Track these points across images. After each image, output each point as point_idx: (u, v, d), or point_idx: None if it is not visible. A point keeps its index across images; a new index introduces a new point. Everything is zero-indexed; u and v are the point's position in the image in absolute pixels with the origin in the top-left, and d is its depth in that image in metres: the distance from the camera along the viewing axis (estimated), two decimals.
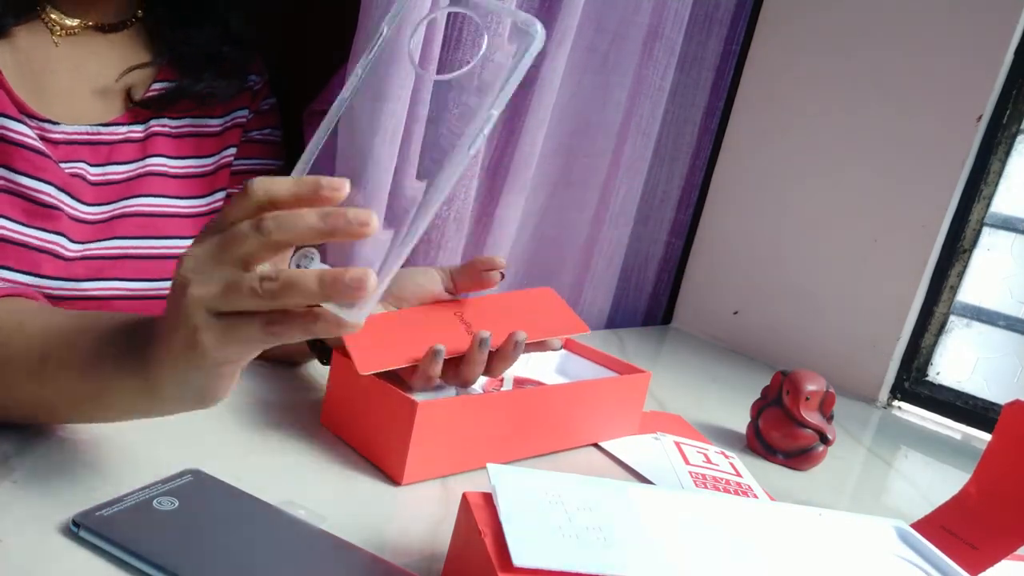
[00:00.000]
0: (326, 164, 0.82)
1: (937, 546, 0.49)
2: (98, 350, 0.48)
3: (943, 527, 0.59)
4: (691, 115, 1.28)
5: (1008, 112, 1.05)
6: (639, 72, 1.11)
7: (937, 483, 0.89)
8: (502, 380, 0.75)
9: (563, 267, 1.17)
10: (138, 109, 0.71)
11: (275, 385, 0.71)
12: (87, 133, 0.69)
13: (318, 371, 0.76)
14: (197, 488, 0.49)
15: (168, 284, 0.71)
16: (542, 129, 0.96)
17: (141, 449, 0.55)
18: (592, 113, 1.09)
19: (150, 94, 0.72)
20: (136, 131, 0.71)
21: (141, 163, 0.71)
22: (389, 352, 0.61)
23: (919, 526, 0.58)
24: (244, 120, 0.77)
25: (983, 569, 0.55)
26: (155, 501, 0.47)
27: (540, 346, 0.66)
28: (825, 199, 1.18)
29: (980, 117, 1.05)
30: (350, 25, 0.73)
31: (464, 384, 0.62)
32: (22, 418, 0.53)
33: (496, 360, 0.62)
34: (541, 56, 0.92)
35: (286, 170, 0.82)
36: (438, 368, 0.59)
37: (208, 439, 0.58)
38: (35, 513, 0.45)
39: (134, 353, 0.46)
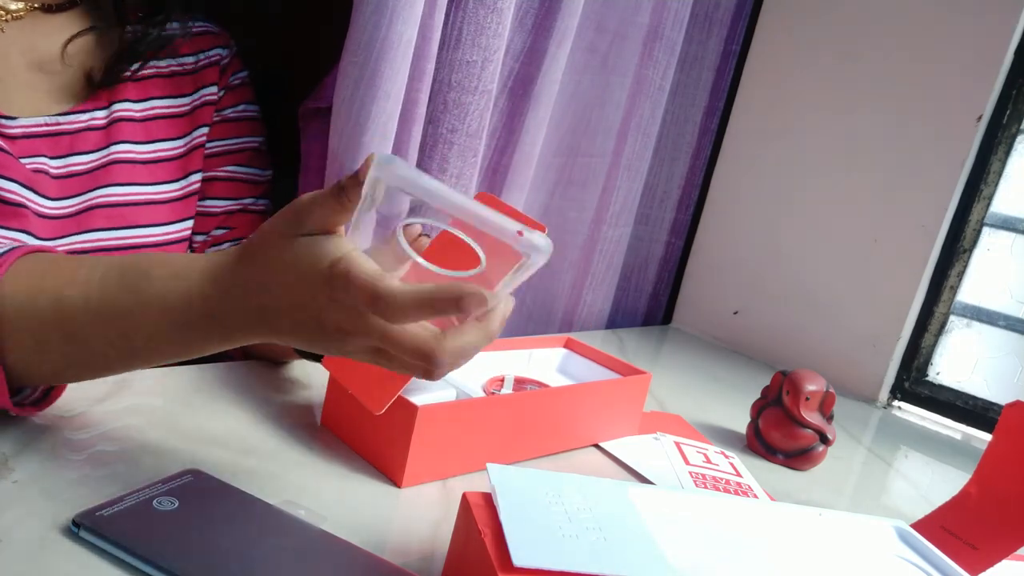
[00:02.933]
0: (317, 164, 0.82)
1: (937, 546, 0.49)
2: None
3: (943, 527, 0.59)
4: (691, 115, 1.28)
5: (1008, 112, 1.05)
6: (639, 72, 1.11)
7: (937, 483, 0.89)
8: (502, 381, 0.75)
9: (563, 267, 1.17)
10: (99, 93, 0.68)
11: (275, 385, 0.71)
12: (46, 125, 0.66)
13: (318, 371, 0.76)
14: (197, 488, 0.49)
15: None
16: (542, 129, 0.96)
17: (141, 449, 0.55)
18: (592, 113, 1.09)
19: (103, 73, 0.68)
20: (98, 118, 0.69)
21: (105, 151, 0.69)
22: (385, 376, 0.58)
23: (919, 526, 0.58)
24: (214, 98, 0.75)
25: (983, 569, 0.55)
26: (155, 501, 0.47)
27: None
28: (825, 199, 1.18)
29: (980, 117, 1.05)
30: (344, 22, 0.73)
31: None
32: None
33: None
34: (541, 56, 0.92)
35: (265, 147, 0.81)
36: None
37: (208, 439, 0.58)
38: (35, 513, 0.45)
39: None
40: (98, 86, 0.68)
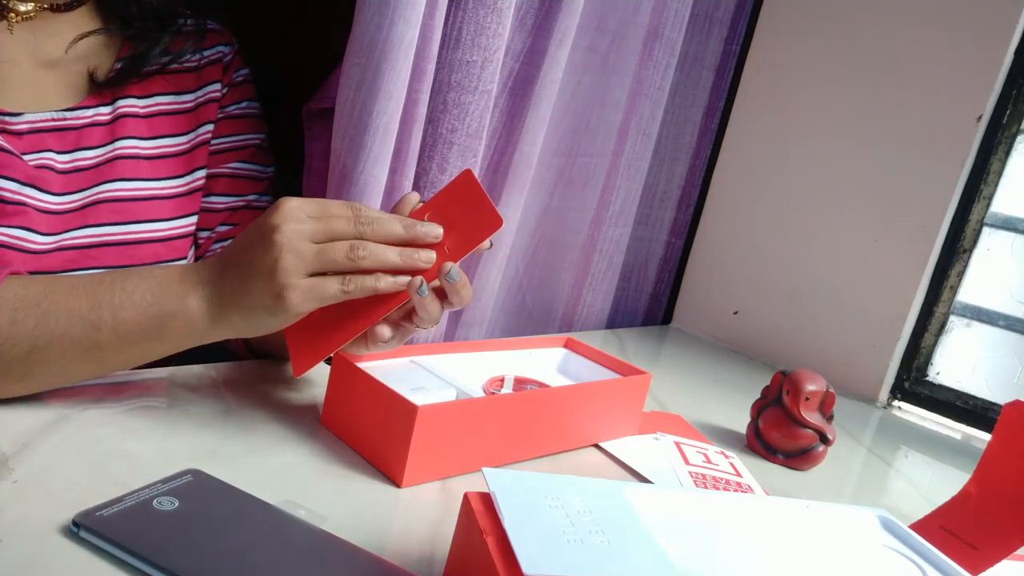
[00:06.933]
0: (320, 163, 0.82)
1: (937, 546, 0.49)
2: (155, 294, 0.55)
3: (943, 527, 0.59)
4: (691, 115, 1.28)
5: (1008, 112, 1.05)
6: (639, 72, 1.11)
7: (937, 483, 0.89)
8: (502, 381, 0.75)
9: (563, 267, 1.17)
10: (103, 90, 0.69)
11: (275, 385, 0.71)
12: (52, 120, 0.67)
13: (318, 371, 0.76)
14: (197, 488, 0.49)
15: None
16: (542, 129, 0.96)
17: (141, 449, 0.55)
18: (592, 113, 1.09)
19: (112, 73, 0.70)
20: (103, 114, 0.70)
21: (110, 147, 0.70)
22: (319, 339, 0.59)
23: (919, 526, 0.58)
24: (218, 95, 0.76)
25: (983, 569, 0.55)
26: (155, 501, 0.47)
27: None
28: (825, 199, 1.18)
29: (980, 117, 1.05)
30: (346, 23, 0.73)
31: (424, 327, 0.60)
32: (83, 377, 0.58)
33: (442, 297, 0.59)
34: (541, 56, 0.92)
35: (267, 144, 0.81)
36: (385, 332, 0.59)
37: (208, 439, 0.58)
38: (35, 513, 0.45)
39: (199, 295, 0.56)
40: (104, 86, 0.69)
